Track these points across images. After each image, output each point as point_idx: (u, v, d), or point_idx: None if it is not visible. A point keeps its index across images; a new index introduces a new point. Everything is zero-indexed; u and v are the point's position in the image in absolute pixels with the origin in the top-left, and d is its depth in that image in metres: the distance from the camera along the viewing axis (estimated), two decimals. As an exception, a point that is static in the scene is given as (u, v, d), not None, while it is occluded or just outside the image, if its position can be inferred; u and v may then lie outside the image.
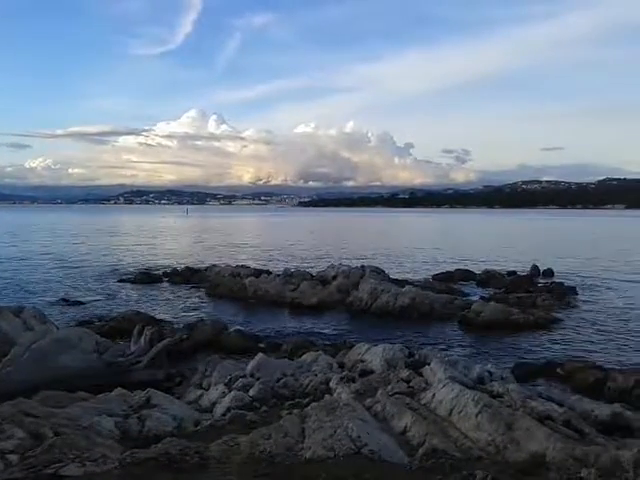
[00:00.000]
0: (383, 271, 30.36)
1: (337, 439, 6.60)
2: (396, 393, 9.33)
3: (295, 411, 8.26)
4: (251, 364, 12.28)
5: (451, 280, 31.97)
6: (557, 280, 31.25)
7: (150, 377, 12.70)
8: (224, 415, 9.39)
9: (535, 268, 35.20)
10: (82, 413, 8.39)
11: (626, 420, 8.88)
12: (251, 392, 10.64)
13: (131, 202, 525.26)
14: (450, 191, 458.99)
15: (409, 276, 32.86)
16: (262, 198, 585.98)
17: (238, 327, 19.63)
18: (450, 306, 23.57)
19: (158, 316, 21.22)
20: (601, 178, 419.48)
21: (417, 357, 12.77)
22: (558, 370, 14.81)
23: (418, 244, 61.35)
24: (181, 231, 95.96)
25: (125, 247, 56.76)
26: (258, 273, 30.38)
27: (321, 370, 12.20)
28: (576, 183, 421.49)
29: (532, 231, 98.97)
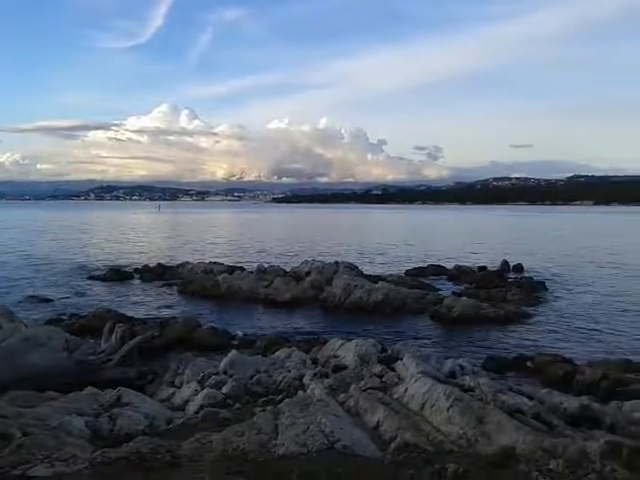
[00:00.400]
0: (356, 267, 30.51)
1: (310, 435, 6.61)
2: (369, 388, 9.40)
3: (268, 408, 8.25)
4: (224, 361, 12.23)
5: (423, 275, 32.29)
6: (527, 275, 31.84)
7: (121, 375, 12.53)
8: (197, 413, 9.32)
9: (505, 263, 35.74)
10: (51, 413, 8.24)
11: (593, 412, 9.08)
12: (224, 389, 10.60)
13: (101, 198, 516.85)
14: (422, 187, 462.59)
15: (382, 272, 33.04)
16: (235, 194, 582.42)
17: (211, 324, 19.50)
18: (422, 301, 23.82)
19: (129, 313, 20.93)
20: (569, 175, 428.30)
21: (390, 352, 12.88)
22: (528, 364, 15.08)
23: (391, 240, 61.75)
24: (153, 227, 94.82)
25: (95, 244, 55.87)
26: (231, 269, 30.26)
27: (294, 366, 12.21)
28: (545, 180, 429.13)
29: (502, 227, 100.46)
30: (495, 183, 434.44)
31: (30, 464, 5.81)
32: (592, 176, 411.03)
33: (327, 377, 10.97)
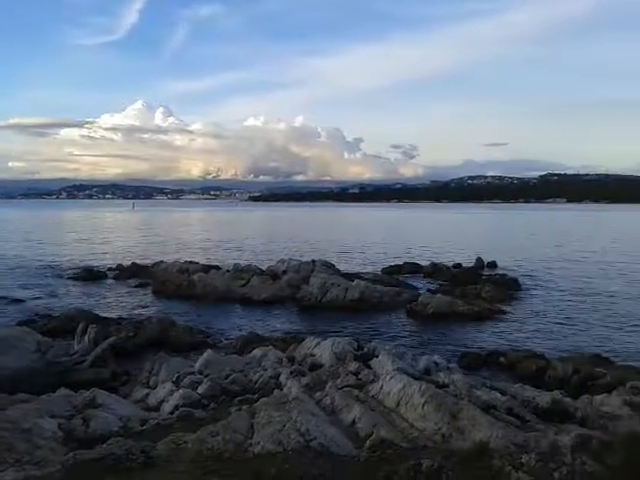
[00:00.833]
0: (333, 265, 30.56)
1: (286, 433, 6.62)
2: (345, 386, 9.43)
3: (244, 407, 8.22)
4: (199, 361, 12.16)
5: (399, 273, 32.52)
6: (500, 272, 32.24)
7: (95, 376, 12.39)
8: (172, 413, 9.26)
9: (479, 261, 36.17)
10: (23, 415, 8.09)
11: (565, 406, 9.25)
12: (200, 389, 10.53)
13: (74, 197, 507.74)
14: (399, 186, 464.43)
15: (359, 270, 33.17)
16: (211, 192, 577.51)
17: (186, 324, 19.35)
18: (398, 299, 23.98)
19: (103, 314, 20.67)
20: (542, 173, 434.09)
21: (366, 350, 12.93)
22: (501, 360, 15.29)
23: (368, 238, 62.00)
24: (127, 226, 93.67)
25: (68, 243, 54.98)
26: (207, 268, 30.04)
27: (271, 365, 12.20)
28: (519, 178, 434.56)
29: (477, 225, 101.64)
30: (470, 181, 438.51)
31: (0, 468, 5.70)
32: (564, 174, 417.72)
33: (303, 375, 10.98)
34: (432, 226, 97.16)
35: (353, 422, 7.75)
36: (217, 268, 30.61)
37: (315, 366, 11.96)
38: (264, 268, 29.94)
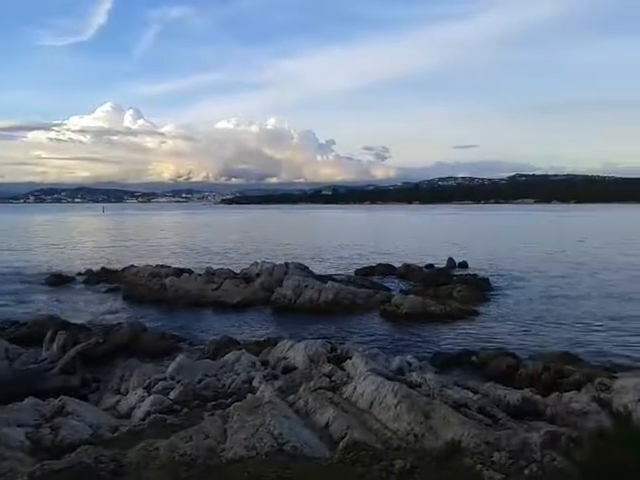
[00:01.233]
0: (307, 267, 30.60)
1: (259, 438, 6.58)
2: (319, 388, 9.42)
3: (217, 412, 8.15)
4: (171, 366, 12.03)
5: (373, 274, 32.71)
6: (471, 272, 32.62)
7: (64, 384, 12.15)
8: (143, 420, 9.14)
9: (451, 261, 36.59)
10: (-12, 426, 7.90)
11: (535, 404, 9.41)
12: (172, 395, 10.41)
13: (42, 200, 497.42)
14: (371, 187, 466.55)
15: (332, 271, 33.25)
16: (183, 195, 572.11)
17: (158, 328, 19.13)
18: (371, 300, 24.11)
19: (72, 320, 20.26)
20: (511, 174, 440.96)
21: (339, 352, 12.97)
22: (473, 358, 15.47)
23: (341, 240, 62.16)
24: (97, 230, 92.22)
25: (36, 248, 53.81)
26: (179, 272, 29.75)
27: (244, 369, 12.14)
28: (488, 179, 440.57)
29: (448, 225, 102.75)
30: (441, 183, 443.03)
31: (-36, 481, 5.55)
32: (533, 175, 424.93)
33: (277, 379, 10.96)
34: (404, 227, 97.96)
35: (326, 424, 7.75)
36: (189, 272, 30.33)
37: (288, 369, 11.95)
38: (237, 271, 29.77)
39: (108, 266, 35.00)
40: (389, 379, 9.01)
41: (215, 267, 30.85)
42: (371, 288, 26.50)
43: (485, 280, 29.08)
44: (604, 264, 37.80)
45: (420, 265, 35.07)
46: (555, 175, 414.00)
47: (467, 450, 6.51)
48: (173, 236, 74.40)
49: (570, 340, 18.10)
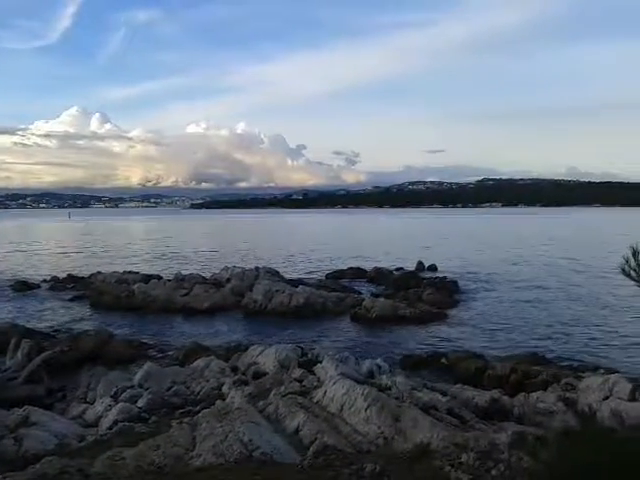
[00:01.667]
0: (277, 272, 30.48)
1: (228, 444, 6.51)
2: (289, 393, 9.38)
3: (186, 419, 8.04)
4: (139, 374, 11.84)
5: (343, 278, 32.74)
6: (441, 275, 32.95)
7: (29, 393, 11.87)
8: (111, 429, 8.97)
9: (420, 264, 36.92)
10: (-53, 439, 7.65)
11: (503, 405, 9.55)
12: (140, 403, 10.25)
13: (6, 206, 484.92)
14: (342, 192, 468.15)
15: (303, 276, 33.19)
16: (152, 200, 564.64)
17: (125, 336, 18.80)
18: (342, 304, 24.15)
19: (37, 328, 19.78)
20: (479, 178, 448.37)
21: (310, 356, 12.95)
22: (442, 360, 15.60)
23: (311, 245, 62.16)
24: (63, 236, 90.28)
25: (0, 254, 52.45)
26: (147, 278, 29.31)
27: (213, 375, 12.02)
28: (457, 183, 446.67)
29: (417, 229, 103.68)
30: (410, 187, 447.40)
31: None
32: (500, 179, 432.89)
33: (247, 385, 10.88)
34: (375, 231, 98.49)
35: (297, 429, 7.72)
36: (158, 278, 29.91)
37: (259, 374, 11.87)
38: (207, 276, 29.50)
39: (74, 273, 34.28)
40: (359, 383, 9.04)
41: (184, 272, 30.50)
42: (342, 292, 26.55)
43: (454, 283, 29.40)
44: (570, 266, 38.61)
45: (390, 268, 35.28)
46: (521, 179, 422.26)
47: (436, 452, 6.55)
48: (140, 242, 73.33)
49: (537, 341, 18.41)
